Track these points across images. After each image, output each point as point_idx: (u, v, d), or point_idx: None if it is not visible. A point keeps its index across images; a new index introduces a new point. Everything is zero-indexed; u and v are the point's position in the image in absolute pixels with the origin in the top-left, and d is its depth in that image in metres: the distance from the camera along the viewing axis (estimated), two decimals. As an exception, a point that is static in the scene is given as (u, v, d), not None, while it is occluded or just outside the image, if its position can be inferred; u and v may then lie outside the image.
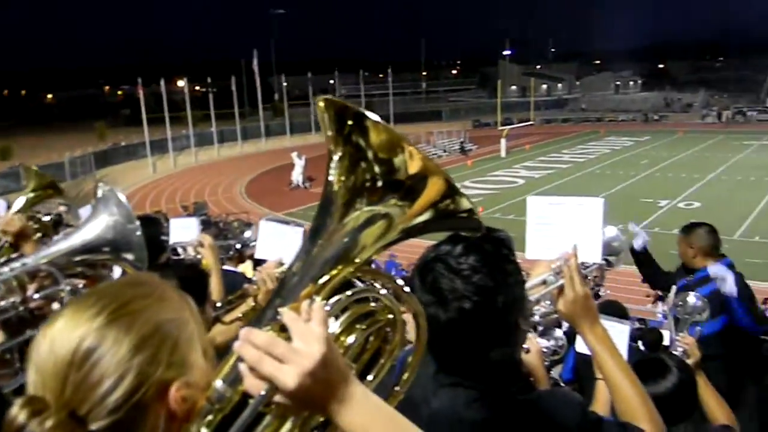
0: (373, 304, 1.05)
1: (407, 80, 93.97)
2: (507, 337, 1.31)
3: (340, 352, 1.00)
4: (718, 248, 4.47)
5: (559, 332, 2.83)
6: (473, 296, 1.26)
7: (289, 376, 0.88)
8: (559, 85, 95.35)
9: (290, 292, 1.00)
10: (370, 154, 0.97)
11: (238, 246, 4.68)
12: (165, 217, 4.46)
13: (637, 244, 4.82)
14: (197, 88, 66.08)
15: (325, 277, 0.99)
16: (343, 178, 1.00)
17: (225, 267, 4.51)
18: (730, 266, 4.37)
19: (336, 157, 0.99)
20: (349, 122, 0.97)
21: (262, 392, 0.89)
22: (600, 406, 2.15)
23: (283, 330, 0.93)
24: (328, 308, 0.98)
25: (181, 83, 52.98)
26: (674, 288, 4.21)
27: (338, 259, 1.00)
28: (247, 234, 4.71)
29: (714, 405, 2.55)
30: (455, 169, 40.98)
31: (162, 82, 46.18)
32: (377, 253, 1.03)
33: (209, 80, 54.00)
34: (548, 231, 1.73)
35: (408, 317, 1.08)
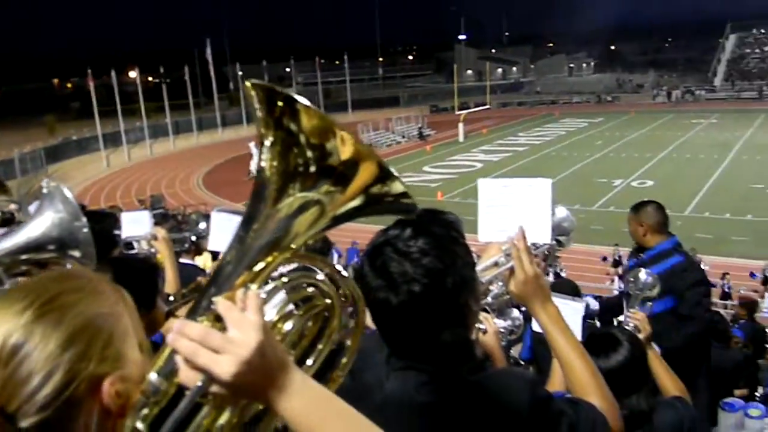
0: (310, 289, 1.04)
1: (364, 67, 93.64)
2: (458, 318, 1.32)
3: (278, 339, 0.99)
4: (666, 225, 4.56)
5: (516, 312, 2.87)
6: (423, 279, 1.26)
7: (225, 366, 0.87)
8: (514, 68, 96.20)
9: (225, 281, 0.98)
10: (301, 139, 0.96)
11: (194, 238, 4.61)
12: (120, 212, 4.37)
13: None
14: (150, 79, 64.73)
15: (260, 265, 0.98)
16: (275, 164, 0.98)
17: (182, 260, 4.45)
18: (677, 245, 4.48)
19: (267, 142, 0.98)
20: (279, 106, 0.96)
21: (198, 384, 0.88)
22: (555, 383, 2.18)
23: (218, 320, 0.91)
24: (263, 295, 0.97)
25: (132, 74, 51.75)
26: (626, 263, 4.30)
27: (272, 246, 0.99)
28: (203, 226, 4.63)
29: (665, 377, 2.62)
30: (414, 155, 41.17)
31: (113, 74, 45.11)
32: (311, 238, 1.02)
33: (162, 70, 52.94)
34: (499, 213, 1.75)
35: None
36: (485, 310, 2.24)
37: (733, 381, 6.27)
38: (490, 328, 2.35)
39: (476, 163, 36.35)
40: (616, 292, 14.35)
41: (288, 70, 67.30)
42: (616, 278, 15.42)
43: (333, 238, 7.81)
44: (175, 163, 43.03)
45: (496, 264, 1.65)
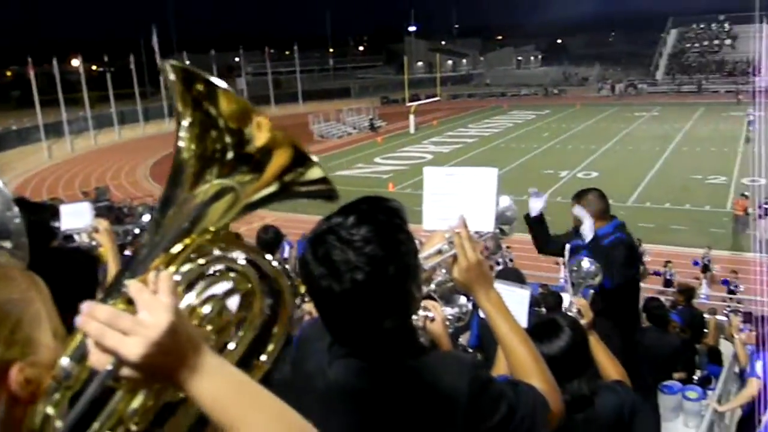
0: (232, 274, 1.04)
1: (314, 57, 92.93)
2: (400, 305, 1.32)
3: (196, 322, 0.98)
4: (608, 211, 4.69)
5: (463, 300, 2.89)
6: (365, 267, 1.26)
7: (133, 348, 0.86)
8: (464, 60, 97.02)
9: (140, 264, 0.98)
10: (219, 123, 0.96)
11: (137, 231, 4.51)
12: (61, 204, 4.23)
13: (536, 210, 4.92)
14: (93, 67, 62.86)
15: (177, 247, 0.97)
16: (193, 147, 0.98)
17: (126, 252, 4.36)
18: (620, 227, 4.61)
19: (185, 122, 0.97)
20: (197, 87, 0.95)
21: (108, 367, 0.87)
22: (501, 368, 2.21)
23: (130, 303, 0.90)
24: (178, 278, 0.96)
25: (75, 62, 50.11)
26: (567, 247, 4.39)
27: (188, 230, 0.98)
28: (146, 218, 4.53)
29: (606, 362, 2.69)
30: (366, 146, 41.18)
31: (54, 62, 43.61)
32: (228, 223, 1.02)
33: (106, 59, 51.50)
34: (444, 202, 1.75)
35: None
36: (433, 298, 2.26)
37: (672, 365, 6.50)
38: (437, 315, 2.36)
39: (427, 155, 36.55)
40: (561, 280, 14.66)
41: (237, 59, 66.29)
42: (562, 268, 15.79)
43: (285, 229, 7.76)
44: (120, 154, 41.97)
45: (439, 251, 1.66)
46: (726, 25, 75.79)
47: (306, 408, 1.43)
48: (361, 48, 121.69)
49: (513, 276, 4.27)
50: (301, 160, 1.03)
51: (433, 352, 1.57)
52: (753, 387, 4.60)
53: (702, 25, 77.77)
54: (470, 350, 4.33)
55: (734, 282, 16.01)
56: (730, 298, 14.63)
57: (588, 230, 4.31)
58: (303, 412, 1.44)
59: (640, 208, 23.38)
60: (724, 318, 10.21)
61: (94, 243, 3.09)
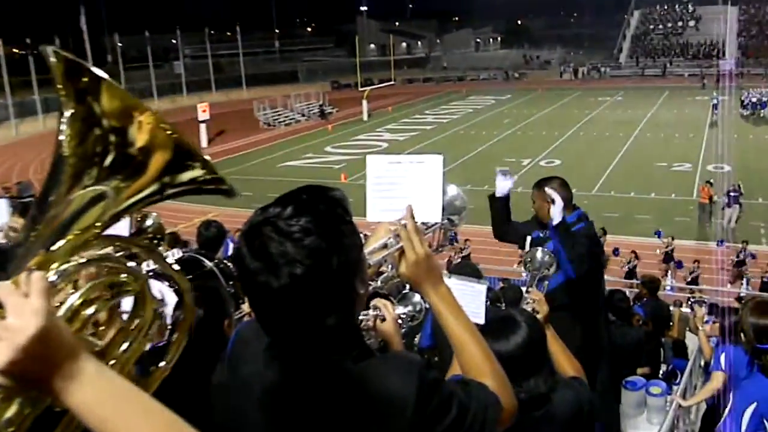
0: (124, 276, 1.04)
1: (258, 39, 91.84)
2: (343, 302, 1.33)
3: (78, 326, 0.98)
4: (570, 200, 4.75)
5: (417, 297, 2.91)
6: (305, 260, 1.26)
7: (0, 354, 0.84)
8: (420, 42, 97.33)
9: (16, 265, 0.97)
10: (101, 120, 0.97)
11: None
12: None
13: (502, 189, 4.95)
14: (15, 50, 60.91)
15: (58, 244, 0.98)
16: (74, 143, 0.99)
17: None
18: (583, 215, 4.69)
19: (67, 113, 0.97)
20: (80, 79, 0.95)
21: None
22: (457, 369, 2.25)
23: (0, 306, 0.88)
24: (54, 278, 0.95)
25: (-8, 44, 48.46)
26: (528, 239, 4.44)
27: (66, 228, 0.99)
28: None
29: (562, 358, 2.75)
30: (316, 135, 41.02)
31: (-32, 44, 42.13)
32: (107, 222, 1.03)
33: (28, 41, 49.99)
34: (389, 192, 1.77)
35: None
36: (385, 296, 2.27)
37: (635, 359, 6.68)
38: (388, 314, 2.38)
39: (381, 143, 36.62)
40: (524, 274, 14.87)
41: (174, 41, 65.05)
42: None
43: (231, 225, 7.66)
44: (45, 145, 40.82)
45: (385, 245, 1.66)
46: (690, 6, 77.92)
47: (244, 414, 1.44)
48: (309, 29, 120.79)
49: (469, 270, 4.32)
50: (186, 158, 1.04)
51: (380, 353, 1.58)
52: (717, 380, 4.77)
53: (666, 6, 79.78)
54: (423, 351, 4.37)
55: (695, 271, 16.52)
56: (691, 290, 15.08)
57: (557, 213, 4.37)
58: (241, 417, 1.44)
59: (605, 197, 23.91)
60: (689, 310, 10.54)
61: (10, 243, 3.02)
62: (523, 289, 4.21)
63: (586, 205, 5.17)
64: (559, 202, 4.38)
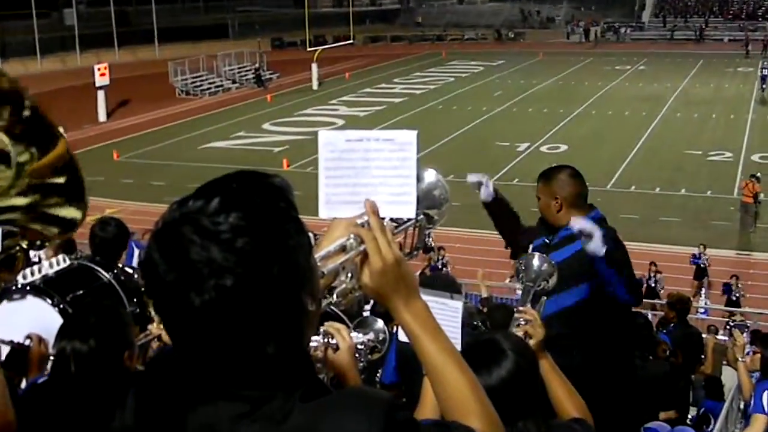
0: None
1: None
2: (287, 323, 1.31)
3: None
4: (585, 197, 4.77)
5: (379, 324, 2.91)
6: (237, 269, 1.24)
7: None
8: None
9: None
10: None
11: None
12: None
13: (483, 194, 5.09)
14: None
15: None
16: None
17: None
18: (601, 220, 4.70)
19: None
20: None
21: None
22: (427, 408, 2.25)
23: None
24: None
25: None
26: (531, 248, 4.48)
27: None
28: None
29: (562, 395, 2.76)
30: (250, 107, 40.93)
31: None
32: None
33: None
34: (347, 179, 1.77)
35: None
36: (337, 319, 2.27)
37: (658, 400, 6.77)
38: (342, 342, 2.37)
39: (336, 120, 36.67)
40: (519, 291, 14.91)
41: (66, -17, 64.14)
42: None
43: (136, 224, 7.53)
44: None
45: (342, 249, 1.66)
46: (732, -48, 79.36)
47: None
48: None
49: (442, 284, 4.34)
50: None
51: (335, 390, 1.57)
52: (759, 425, 4.86)
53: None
54: (386, 387, 4.40)
55: (737, 290, 16.73)
56: (732, 313, 15.25)
57: (598, 247, 4.34)
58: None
59: (622, 193, 24.34)
60: (726, 338, 10.74)
61: None
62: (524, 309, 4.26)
63: (599, 203, 5.24)
64: (597, 235, 4.31)
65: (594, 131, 33.19)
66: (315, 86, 45.46)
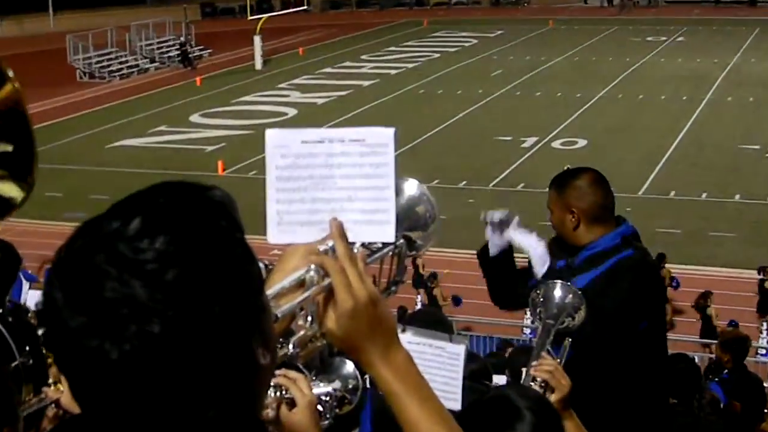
0: None
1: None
2: (234, 381, 1.31)
3: None
4: (610, 208, 4.78)
5: (349, 367, 2.91)
6: (166, 309, 1.23)
7: None
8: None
9: None
10: None
11: None
12: None
13: (498, 242, 4.93)
14: None
15: None
16: None
17: None
18: (631, 237, 4.74)
19: None
20: None
21: None
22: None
23: None
24: None
25: None
26: (543, 270, 4.50)
27: None
28: None
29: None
30: (174, 93, 40.78)
31: None
32: None
33: None
34: (304, 192, 1.77)
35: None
36: (294, 367, 2.27)
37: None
38: (300, 396, 2.37)
39: (286, 109, 36.66)
40: (527, 331, 14.81)
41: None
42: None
43: (28, 249, 7.44)
44: None
45: (300, 284, 1.66)
46: None
47: None
48: None
49: (431, 321, 4.35)
50: None
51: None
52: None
53: None
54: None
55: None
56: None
57: (539, 263, 4.42)
58: None
59: (658, 201, 24.49)
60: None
61: None
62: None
63: (628, 214, 5.27)
64: (536, 249, 4.41)
65: (621, 121, 33.41)
66: (258, 65, 45.38)
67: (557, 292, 3.48)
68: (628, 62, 44.58)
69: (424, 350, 2.89)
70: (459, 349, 2.61)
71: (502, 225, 4.95)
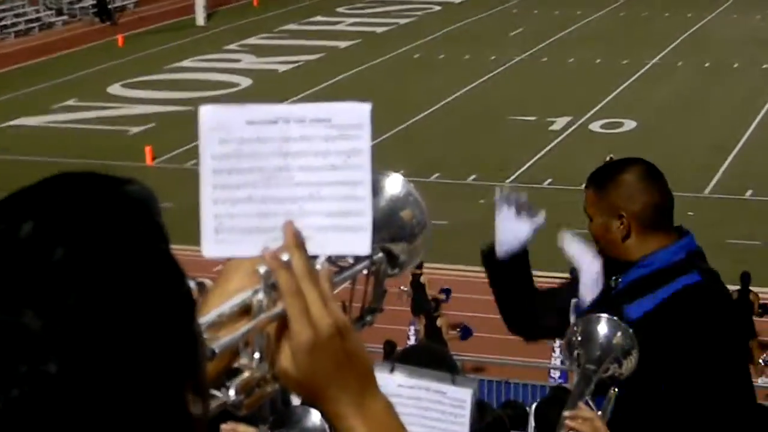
0: None
1: None
2: None
3: None
4: (670, 212, 4.79)
5: (315, 417, 2.95)
6: (66, 345, 1.24)
7: None
8: None
9: None
10: None
11: None
12: None
13: (510, 244, 4.92)
14: None
15: None
16: None
17: None
18: (695, 254, 4.74)
19: None
20: None
21: None
22: None
23: None
24: None
25: None
26: (573, 302, 4.51)
27: None
28: None
29: None
30: (88, 56, 40.63)
31: None
32: None
33: None
34: (251, 189, 1.78)
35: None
36: (238, 418, 2.29)
37: None
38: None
39: (237, 78, 36.66)
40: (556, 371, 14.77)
41: None
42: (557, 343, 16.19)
43: None
44: None
45: (246, 309, 1.67)
46: None
47: None
48: None
49: (430, 359, 4.38)
50: None
51: None
52: None
53: None
54: None
55: None
56: None
57: (590, 287, 4.43)
58: None
59: (731, 204, 24.59)
60: None
61: None
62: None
63: (690, 222, 5.27)
64: (585, 259, 4.42)
65: (680, 97, 33.53)
66: (200, 20, 45.45)
67: (601, 330, 3.48)
68: (690, 19, 44.74)
69: (420, 395, 2.91)
70: (464, 395, 2.62)
71: (523, 210, 4.97)
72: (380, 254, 1.86)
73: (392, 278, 1.89)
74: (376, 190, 1.83)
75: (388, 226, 1.88)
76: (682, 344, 4.50)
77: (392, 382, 2.81)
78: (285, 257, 1.68)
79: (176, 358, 1.33)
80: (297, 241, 1.69)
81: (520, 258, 5.03)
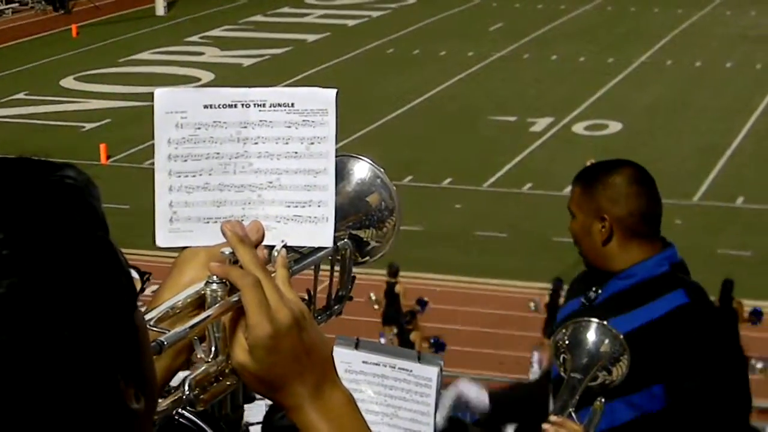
0: None
1: None
2: None
3: None
4: (657, 222, 4.81)
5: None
6: None
7: None
8: None
9: None
10: None
11: None
12: None
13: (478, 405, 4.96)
14: None
15: None
16: None
17: None
18: (678, 266, 4.77)
19: None
20: None
21: None
22: None
23: None
24: None
25: None
26: (563, 311, 4.54)
27: None
28: None
29: None
30: (39, 47, 40.51)
31: None
32: None
33: None
34: (206, 175, 1.80)
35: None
36: (197, 425, 2.30)
37: None
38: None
39: (199, 72, 36.71)
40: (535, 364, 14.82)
41: None
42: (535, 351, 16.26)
43: None
44: None
45: (199, 300, 1.68)
46: None
47: None
48: None
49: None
50: None
51: None
52: None
53: None
54: None
55: None
56: None
57: (477, 400, 4.52)
58: None
59: (720, 211, 24.71)
60: None
61: None
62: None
63: (677, 230, 5.29)
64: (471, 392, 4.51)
65: (669, 98, 33.63)
66: (160, 10, 45.34)
67: (590, 336, 3.48)
68: (681, 16, 44.79)
69: (385, 373, 2.92)
70: (431, 372, 2.63)
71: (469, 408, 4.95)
72: (345, 241, 1.87)
73: (361, 286, 1.91)
74: (342, 173, 1.84)
75: (355, 210, 1.89)
76: (677, 367, 4.49)
77: (357, 358, 2.81)
78: (240, 247, 1.68)
79: (112, 349, 1.34)
80: (238, 238, 1.69)
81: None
